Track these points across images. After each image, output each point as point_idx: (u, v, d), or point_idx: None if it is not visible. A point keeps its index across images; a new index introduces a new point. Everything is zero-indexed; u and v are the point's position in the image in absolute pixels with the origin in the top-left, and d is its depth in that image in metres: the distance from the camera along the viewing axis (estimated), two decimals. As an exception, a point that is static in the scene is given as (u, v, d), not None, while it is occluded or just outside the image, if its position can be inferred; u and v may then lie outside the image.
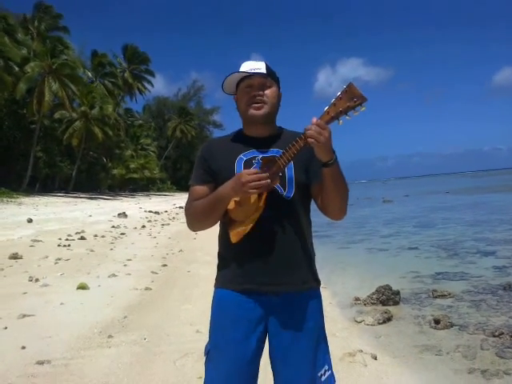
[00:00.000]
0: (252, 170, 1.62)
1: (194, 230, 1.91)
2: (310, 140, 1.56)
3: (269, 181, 1.59)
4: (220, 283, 1.83)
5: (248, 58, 1.84)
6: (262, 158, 1.72)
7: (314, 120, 1.56)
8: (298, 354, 1.73)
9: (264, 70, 1.78)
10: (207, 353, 1.80)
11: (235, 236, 1.72)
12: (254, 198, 1.67)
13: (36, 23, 41.19)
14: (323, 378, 1.76)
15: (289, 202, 1.75)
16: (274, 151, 1.77)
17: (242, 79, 1.79)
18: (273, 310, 1.74)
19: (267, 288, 1.72)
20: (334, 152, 1.63)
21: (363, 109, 1.56)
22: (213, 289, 1.87)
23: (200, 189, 1.83)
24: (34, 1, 42.37)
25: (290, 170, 1.76)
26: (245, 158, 1.79)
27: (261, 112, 1.78)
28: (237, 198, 1.69)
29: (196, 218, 1.83)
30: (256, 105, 1.77)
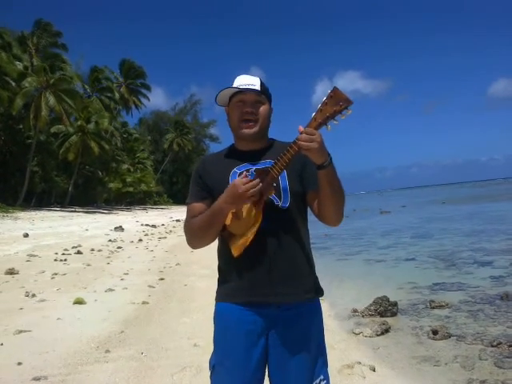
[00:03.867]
0: (244, 179, 1.62)
1: (195, 248, 1.91)
2: (296, 149, 1.56)
3: (260, 185, 1.60)
4: (221, 297, 1.84)
5: (247, 71, 1.85)
6: (255, 170, 1.73)
7: (301, 129, 1.57)
8: (295, 365, 1.74)
9: (258, 87, 1.79)
10: (212, 367, 1.80)
11: (236, 250, 1.72)
12: (251, 210, 1.68)
13: (35, 40, 41.39)
14: None
15: (285, 212, 1.76)
16: (266, 162, 1.79)
17: (235, 93, 1.81)
18: (274, 322, 1.74)
19: (268, 300, 1.73)
20: (329, 154, 1.63)
21: (350, 112, 1.55)
22: (210, 302, 1.88)
23: (197, 206, 1.84)
24: (34, 17, 42.70)
25: (283, 180, 1.77)
26: (238, 172, 1.81)
27: (252, 131, 1.81)
28: (233, 211, 1.70)
29: (195, 235, 1.83)
30: (248, 123, 1.80)
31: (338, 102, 1.54)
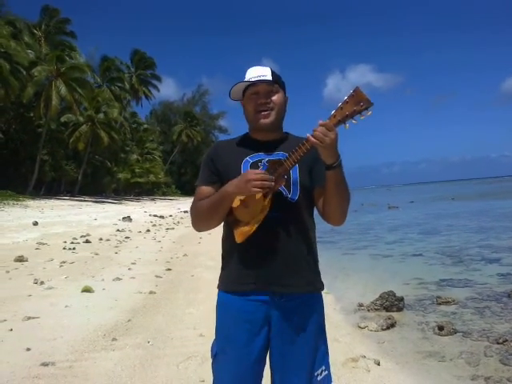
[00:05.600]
0: (258, 170, 1.65)
1: (199, 230, 1.92)
2: (314, 141, 1.57)
3: (272, 183, 1.61)
4: (224, 285, 1.85)
5: (258, 62, 1.86)
6: (268, 161, 1.74)
7: (321, 122, 1.58)
8: (297, 355, 1.75)
9: (269, 77, 1.79)
10: (214, 356, 1.82)
11: (240, 236, 1.73)
12: (259, 199, 1.69)
13: (43, 27, 41.44)
14: (319, 378, 1.78)
15: (293, 205, 1.77)
16: (279, 154, 1.79)
17: (248, 86, 1.81)
18: (276, 312, 1.75)
19: (271, 289, 1.74)
20: (339, 156, 1.64)
21: (369, 113, 1.56)
22: (216, 293, 1.89)
23: (206, 189, 1.85)
24: (41, 4, 42.63)
25: (295, 173, 1.78)
26: (251, 161, 1.82)
27: (268, 120, 1.81)
28: (241, 197, 1.71)
29: (200, 218, 1.85)
30: (264, 113, 1.80)
31: (358, 102, 1.55)
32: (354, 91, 1.56)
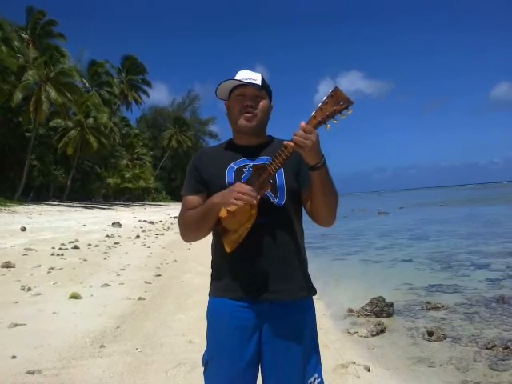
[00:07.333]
0: (247, 186, 1.62)
1: (188, 241, 1.91)
2: (294, 146, 1.55)
3: (252, 199, 1.58)
4: (214, 292, 1.83)
5: (252, 68, 1.85)
6: (252, 166, 1.73)
7: (303, 125, 1.56)
8: (289, 362, 1.73)
9: (259, 82, 1.78)
10: (205, 363, 1.80)
11: (229, 245, 1.72)
12: (246, 207, 1.67)
13: (29, 30, 41.04)
14: None
15: (281, 209, 1.76)
16: (264, 159, 1.78)
17: (235, 87, 1.79)
18: (267, 318, 1.73)
19: (262, 296, 1.72)
20: (322, 156, 1.63)
21: (350, 112, 1.55)
22: (206, 299, 1.87)
23: (192, 198, 1.84)
24: (24, 6, 41.94)
25: (280, 177, 1.77)
26: (236, 167, 1.80)
27: (250, 125, 1.79)
28: (230, 208, 1.70)
29: (189, 228, 1.83)
30: (247, 115, 1.78)
31: (338, 102, 1.54)
32: (333, 91, 1.55)
